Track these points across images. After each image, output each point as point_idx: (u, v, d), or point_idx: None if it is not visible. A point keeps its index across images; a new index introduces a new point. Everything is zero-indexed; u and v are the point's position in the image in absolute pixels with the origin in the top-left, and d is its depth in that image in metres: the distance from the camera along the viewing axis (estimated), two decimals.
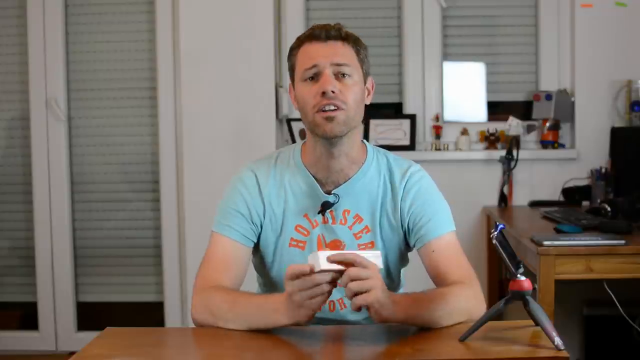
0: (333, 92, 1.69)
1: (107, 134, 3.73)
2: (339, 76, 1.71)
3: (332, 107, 1.69)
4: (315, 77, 1.72)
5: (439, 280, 1.74)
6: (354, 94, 1.72)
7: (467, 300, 1.66)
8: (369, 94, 1.80)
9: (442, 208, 1.83)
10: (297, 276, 1.48)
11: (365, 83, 1.78)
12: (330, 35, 1.73)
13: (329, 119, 1.70)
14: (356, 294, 1.47)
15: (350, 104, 1.71)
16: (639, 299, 2.82)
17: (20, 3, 3.66)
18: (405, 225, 1.81)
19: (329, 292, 1.49)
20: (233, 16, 3.42)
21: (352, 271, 1.46)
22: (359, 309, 1.49)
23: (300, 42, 1.76)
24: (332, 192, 1.79)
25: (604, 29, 3.43)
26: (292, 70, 1.78)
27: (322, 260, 1.46)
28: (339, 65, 1.71)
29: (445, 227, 1.80)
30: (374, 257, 1.50)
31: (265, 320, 1.58)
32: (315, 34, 1.73)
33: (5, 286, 3.81)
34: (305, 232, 1.80)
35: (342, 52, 1.73)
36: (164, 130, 3.62)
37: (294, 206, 1.80)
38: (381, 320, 1.53)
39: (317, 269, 1.46)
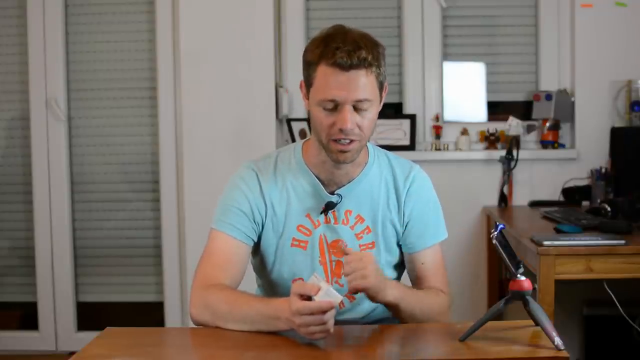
0: (351, 128, 1.66)
1: (107, 134, 3.73)
2: (358, 107, 1.66)
3: (348, 141, 1.68)
4: (333, 108, 1.67)
5: (419, 285, 1.84)
6: (370, 122, 1.70)
7: (440, 307, 1.79)
8: (381, 100, 1.75)
9: (438, 217, 1.87)
10: (303, 296, 1.50)
11: (380, 100, 1.73)
12: (353, 65, 1.63)
13: (343, 152, 1.69)
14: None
15: (365, 134, 1.70)
16: (639, 299, 2.82)
17: (20, 3, 3.66)
18: (403, 227, 1.83)
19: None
20: (233, 16, 3.42)
21: (350, 264, 1.62)
22: (355, 292, 1.66)
23: (319, 59, 1.65)
24: (335, 192, 1.80)
25: (604, 29, 3.43)
26: (307, 81, 1.71)
27: (323, 292, 1.49)
28: (359, 101, 1.66)
29: (437, 238, 1.86)
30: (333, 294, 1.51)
31: (265, 325, 1.59)
32: (338, 62, 1.62)
33: (5, 286, 3.81)
34: (308, 232, 1.80)
35: (364, 85, 1.64)
36: (164, 130, 3.62)
37: (296, 206, 1.80)
38: (375, 302, 1.69)
39: (319, 296, 1.49)
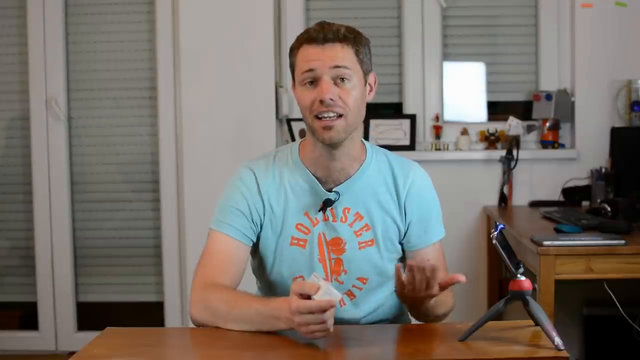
0: (332, 99, 1.68)
1: (107, 134, 3.73)
2: (338, 80, 1.70)
3: (331, 115, 1.69)
4: (313, 82, 1.70)
5: None
6: (354, 98, 1.71)
7: (452, 304, 1.82)
8: (371, 90, 1.78)
9: (437, 215, 1.88)
10: (303, 295, 1.50)
11: (365, 82, 1.76)
12: (327, 38, 1.69)
13: (328, 128, 1.70)
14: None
15: (350, 108, 1.71)
16: (639, 299, 2.82)
17: (20, 3, 3.66)
18: (406, 227, 1.83)
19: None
20: (233, 16, 3.42)
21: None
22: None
23: (299, 43, 1.74)
24: (333, 189, 1.80)
25: (604, 29, 3.43)
26: (292, 70, 1.77)
27: (322, 291, 1.49)
28: (337, 67, 1.69)
29: (437, 235, 1.87)
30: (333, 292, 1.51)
31: (265, 325, 1.58)
32: (312, 36, 1.70)
33: (5, 286, 3.81)
34: (306, 231, 1.80)
35: (341, 55, 1.70)
36: (164, 130, 3.62)
37: (294, 205, 1.80)
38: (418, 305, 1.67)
39: (318, 294, 1.49)
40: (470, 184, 3.52)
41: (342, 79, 1.70)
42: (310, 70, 1.69)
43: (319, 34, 1.70)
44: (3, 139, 3.76)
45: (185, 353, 1.58)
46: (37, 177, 3.67)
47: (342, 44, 1.70)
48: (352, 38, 1.72)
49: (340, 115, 1.70)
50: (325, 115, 1.69)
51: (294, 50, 1.75)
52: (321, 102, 1.68)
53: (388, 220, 1.82)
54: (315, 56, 1.69)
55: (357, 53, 1.72)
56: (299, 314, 1.48)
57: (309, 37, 1.71)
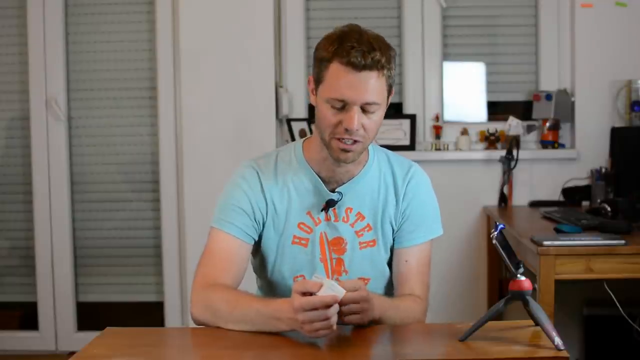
0: (357, 129, 1.67)
1: (107, 134, 3.73)
2: (366, 110, 1.67)
3: (352, 141, 1.69)
4: (341, 107, 1.67)
5: (399, 284, 1.82)
6: (375, 124, 1.70)
7: (415, 314, 1.76)
8: (387, 103, 1.75)
9: (432, 216, 1.86)
10: (305, 293, 1.49)
11: (387, 101, 1.73)
12: (366, 65, 1.63)
13: (345, 151, 1.70)
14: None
15: (369, 136, 1.71)
16: (639, 299, 2.82)
17: (20, 3, 3.66)
18: (398, 223, 1.83)
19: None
20: (233, 16, 3.42)
21: (346, 298, 1.53)
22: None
23: (333, 56, 1.65)
24: (336, 190, 1.80)
25: (604, 29, 3.43)
26: (317, 78, 1.71)
27: (325, 288, 1.49)
28: (368, 104, 1.66)
29: (428, 236, 1.84)
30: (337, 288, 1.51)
31: (266, 326, 1.58)
32: (352, 61, 1.62)
33: (5, 286, 3.82)
34: (308, 230, 1.80)
35: (374, 88, 1.65)
36: (164, 130, 3.62)
37: (297, 204, 1.80)
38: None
39: (321, 291, 1.48)
40: (470, 184, 3.52)
41: (370, 109, 1.68)
42: (342, 100, 1.65)
43: (359, 60, 1.62)
44: (3, 139, 3.76)
45: (185, 353, 1.58)
46: (37, 177, 3.67)
47: (379, 72, 1.65)
48: (388, 67, 1.67)
49: (359, 142, 1.70)
50: (347, 140, 1.68)
51: (324, 62, 1.67)
52: (346, 130, 1.67)
53: (388, 219, 1.82)
54: (349, 84, 1.64)
55: (387, 79, 1.69)
56: (302, 311, 1.48)
57: (348, 61, 1.63)
